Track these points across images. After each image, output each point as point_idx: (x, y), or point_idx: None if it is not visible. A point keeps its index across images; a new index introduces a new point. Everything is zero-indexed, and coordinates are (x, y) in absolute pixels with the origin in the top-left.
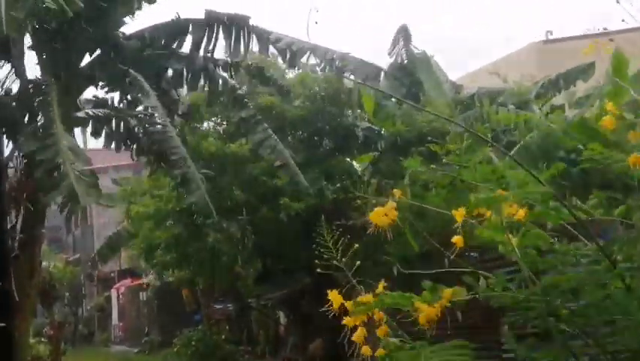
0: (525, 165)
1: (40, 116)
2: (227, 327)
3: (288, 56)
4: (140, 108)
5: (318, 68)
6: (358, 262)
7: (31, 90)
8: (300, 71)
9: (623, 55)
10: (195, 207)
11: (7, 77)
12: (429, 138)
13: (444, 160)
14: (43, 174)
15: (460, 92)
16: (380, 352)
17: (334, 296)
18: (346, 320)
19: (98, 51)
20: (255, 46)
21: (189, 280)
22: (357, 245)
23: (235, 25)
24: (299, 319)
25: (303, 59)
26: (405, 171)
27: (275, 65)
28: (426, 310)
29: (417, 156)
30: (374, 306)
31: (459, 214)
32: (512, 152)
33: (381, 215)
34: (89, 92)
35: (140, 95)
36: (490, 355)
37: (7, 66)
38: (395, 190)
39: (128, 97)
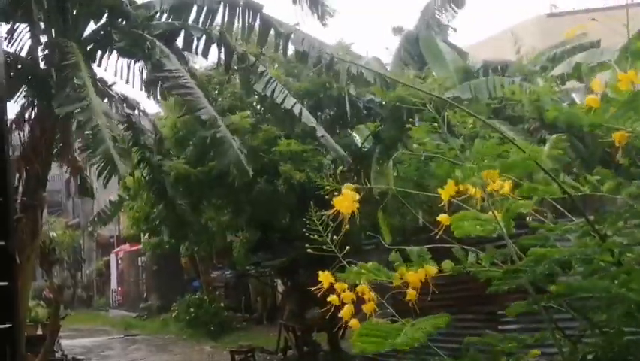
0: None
1: (70, 79)
2: (225, 294)
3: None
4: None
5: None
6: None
7: (56, 54)
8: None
9: None
10: (231, 167)
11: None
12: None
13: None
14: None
15: (466, 60)
16: (354, 323)
17: (324, 276)
18: (331, 298)
19: (104, 19)
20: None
21: (187, 249)
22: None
23: (250, 10)
24: (297, 287)
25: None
26: (405, 140)
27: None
28: (411, 278)
29: (422, 125)
30: (352, 278)
31: (445, 192)
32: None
33: (344, 202)
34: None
35: (161, 58)
36: (487, 326)
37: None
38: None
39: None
